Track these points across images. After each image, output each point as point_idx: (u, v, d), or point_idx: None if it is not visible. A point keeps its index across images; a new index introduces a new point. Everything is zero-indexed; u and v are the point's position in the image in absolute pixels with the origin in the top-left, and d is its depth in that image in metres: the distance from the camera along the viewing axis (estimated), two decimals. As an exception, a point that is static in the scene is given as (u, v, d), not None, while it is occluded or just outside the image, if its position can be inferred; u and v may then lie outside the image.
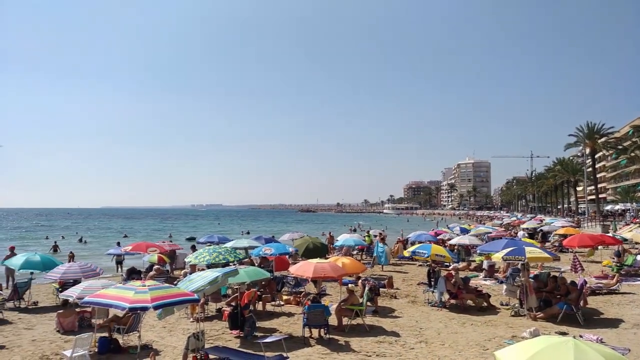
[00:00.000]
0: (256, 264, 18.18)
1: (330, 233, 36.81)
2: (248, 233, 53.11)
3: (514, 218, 68.32)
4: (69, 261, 22.85)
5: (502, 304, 14.55)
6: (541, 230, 38.09)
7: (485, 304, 14.18)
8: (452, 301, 14.40)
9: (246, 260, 17.93)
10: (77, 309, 12.26)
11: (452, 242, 26.53)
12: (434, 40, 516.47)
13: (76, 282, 14.36)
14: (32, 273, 15.90)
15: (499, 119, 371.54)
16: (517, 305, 13.57)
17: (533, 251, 13.62)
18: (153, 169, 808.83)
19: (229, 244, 20.42)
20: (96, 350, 9.78)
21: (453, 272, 15.33)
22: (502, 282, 17.75)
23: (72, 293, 11.93)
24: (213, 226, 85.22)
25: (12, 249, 20.17)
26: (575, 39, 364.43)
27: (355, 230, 52.16)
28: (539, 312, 12.80)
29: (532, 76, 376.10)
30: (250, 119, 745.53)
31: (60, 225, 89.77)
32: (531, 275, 14.57)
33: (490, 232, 34.08)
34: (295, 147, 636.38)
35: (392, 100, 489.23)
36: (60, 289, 15.04)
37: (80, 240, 47.58)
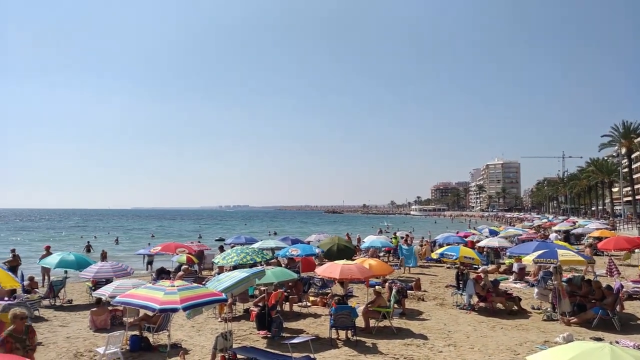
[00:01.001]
0: (283, 265, 18.26)
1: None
2: (275, 234, 53.44)
3: (545, 220, 66.57)
4: (102, 259, 23.59)
5: (533, 308, 14.21)
6: (565, 232, 37.05)
7: (515, 307, 13.86)
8: (481, 304, 14.15)
9: (273, 261, 18.03)
10: (110, 307, 12.55)
11: (481, 244, 26.06)
12: (461, 40, 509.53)
13: (108, 281, 14.73)
14: (66, 272, 16.38)
15: (529, 118, 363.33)
16: (549, 309, 13.22)
17: (566, 254, 13.25)
18: (182, 170, 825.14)
19: (255, 245, 20.60)
20: (128, 348, 10.00)
21: (482, 275, 15.06)
22: (533, 286, 17.32)
23: (104, 292, 12.25)
24: (241, 227, 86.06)
25: (47, 248, 20.86)
26: (607, 37, 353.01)
27: (382, 232, 51.90)
28: (572, 317, 12.44)
29: (563, 75, 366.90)
30: (277, 120, 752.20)
31: (93, 225, 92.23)
32: (564, 278, 14.20)
33: (521, 234, 33.34)
34: (321, 148, 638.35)
35: (419, 101, 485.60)
36: (93, 288, 15.47)
37: (116, 241, 48.82)
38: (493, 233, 34.72)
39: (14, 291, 14.38)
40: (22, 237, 57.22)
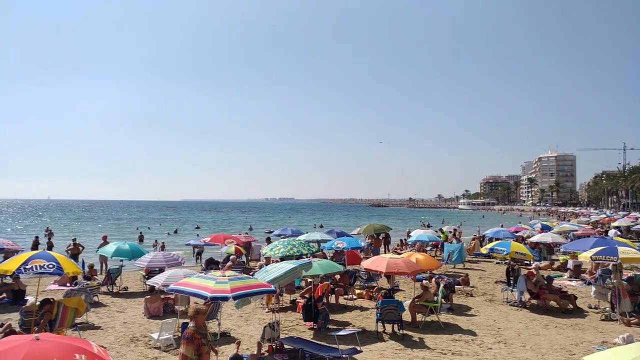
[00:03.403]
0: (328, 258, 18.33)
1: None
2: (321, 226, 53.71)
3: (604, 215, 63.28)
4: (161, 249, 24.68)
5: (590, 307, 13.60)
6: (617, 228, 35.08)
7: (570, 305, 13.31)
8: (533, 301, 13.68)
9: (319, 253, 18.14)
10: (162, 296, 13.03)
11: (533, 239, 25.15)
12: (512, 30, 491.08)
13: (161, 270, 15.29)
14: (122, 260, 17.16)
15: (586, 109, 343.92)
16: (607, 308, 12.61)
17: (627, 251, 12.53)
18: (230, 163, 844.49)
19: (302, 237, 20.77)
20: (180, 335, 10.35)
21: (534, 271, 14.54)
22: (590, 284, 16.58)
23: (157, 280, 12.72)
24: (287, 219, 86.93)
25: (104, 237, 21.93)
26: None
27: (429, 226, 51.13)
28: (633, 317, 11.82)
29: (622, 63, 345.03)
30: (323, 112, 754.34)
31: (147, 217, 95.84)
32: (624, 277, 13.49)
33: (576, 230, 31.91)
34: (367, 140, 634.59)
35: (469, 91, 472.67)
36: (146, 276, 16.13)
37: (175, 232, 50.63)
38: (546, 228, 33.43)
39: (75, 277, 15.25)
40: (88, 227, 60.22)
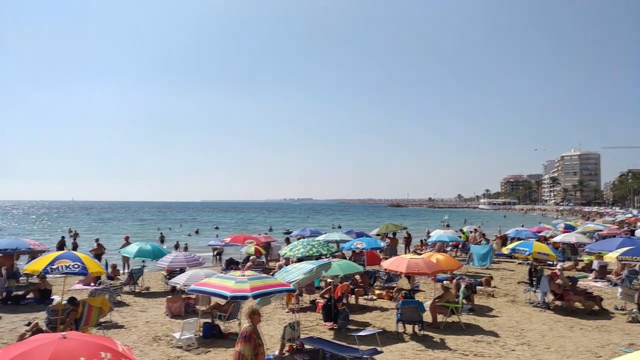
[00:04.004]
0: (347, 258, 18.30)
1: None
2: (340, 227, 53.61)
3: (630, 215, 61.66)
4: (184, 249, 25.03)
5: (616, 309, 13.29)
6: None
7: (596, 307, 13.02)
8: (557, 302, 13.43)
9: (337, 253, 18.14)
10: (183, 296, 13.18)
11: (557, 239, 24.68)
12: (533, 29, 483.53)
13: (182, 270, 15.49)
14: (144, 261, 17.42)
15: (610, 105, 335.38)
16: (635, 310, 12.30)
17: (654, 251, 12.23)
18: (249, 164, 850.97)
19: (320, 237, 20.78)
20: (201, 335, 10.47)
21: (558, 272, 14.28)
22: (616, 285, 16.20)
23: (179, 280, 12.89)
24: (306, 220, 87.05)
25: (126, 238, 22.29)
26: None
27: (448, 226, 50.66)
28: (661, 319, 11.51)
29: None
30: (341, 113, 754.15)
31: (169, 218, 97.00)
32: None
33: (601, 230, 31.21)
34: (386, 140, 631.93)
35: (489, 91, 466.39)
36: (168, 277, 16.34)
37: (197, 232, 51.26)
38: (569, 228, 32.79)
39: (99, 277, 15.54)
40: (110, 228, 61.31)
